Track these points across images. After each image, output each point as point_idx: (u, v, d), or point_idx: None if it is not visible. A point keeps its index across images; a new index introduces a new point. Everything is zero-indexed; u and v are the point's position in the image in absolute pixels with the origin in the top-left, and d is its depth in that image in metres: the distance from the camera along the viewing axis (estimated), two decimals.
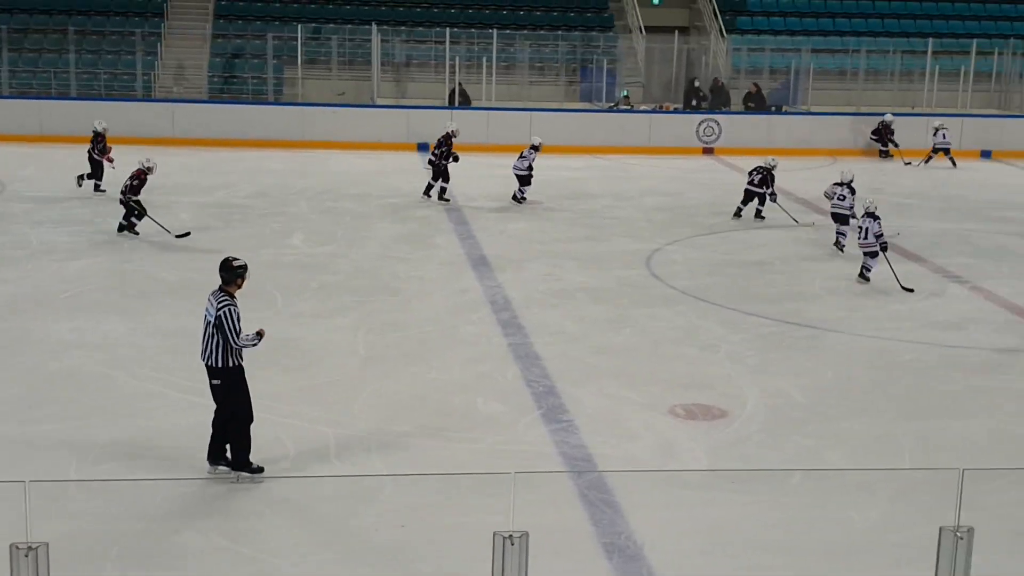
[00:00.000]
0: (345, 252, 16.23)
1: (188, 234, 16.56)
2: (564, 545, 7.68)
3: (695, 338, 12.66)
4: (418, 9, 31.06)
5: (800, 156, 25.91)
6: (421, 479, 8.76)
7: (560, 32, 30.24)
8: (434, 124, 26.22)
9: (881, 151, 26.38)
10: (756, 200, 19.14)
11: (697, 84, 29.06)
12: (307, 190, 20.90)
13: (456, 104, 27.58)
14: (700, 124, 27.01)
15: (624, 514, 8.18)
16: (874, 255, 15.04)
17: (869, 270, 15.15)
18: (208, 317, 8.51)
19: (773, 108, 28.77)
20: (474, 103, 27.93)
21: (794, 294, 14.68)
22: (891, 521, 8.21)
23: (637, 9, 30.73)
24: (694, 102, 28.63)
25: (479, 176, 21.26)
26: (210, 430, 8.71)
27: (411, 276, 14.97)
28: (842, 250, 16.94)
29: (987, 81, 29.71)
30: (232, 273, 8.69)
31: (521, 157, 20.07)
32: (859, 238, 15.20)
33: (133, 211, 16.72)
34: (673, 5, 32.40)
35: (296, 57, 28.50)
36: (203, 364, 8.60)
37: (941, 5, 32.11)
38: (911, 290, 14.69)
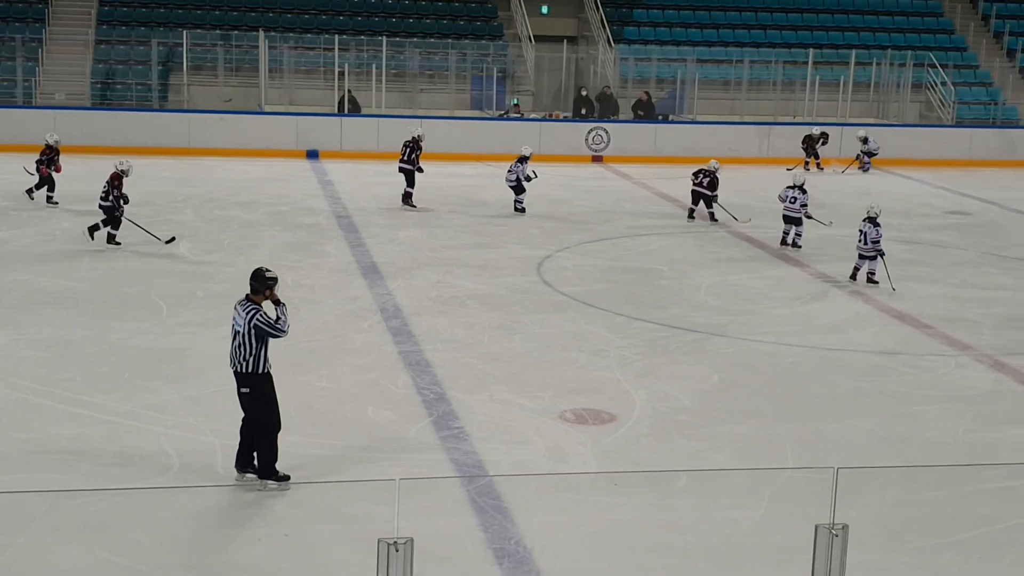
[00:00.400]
0: (232, 260, 16.02)
1: (173, 239, 16.50)
2: (454, 551, 7.71)
3: (584, 343, 12.78)
4: (306, 16, 30.83)
5: (687, 164, 26.30)
6: (309, 487, 8.70)
7: (450, 40, 30.28)
8: (322, 131, 26.14)
9: (816, 163, 26.72)
10: (703, 202, 19.92)
11: (585, 93, 29.35)
12: (193, 198, 20.59)
13: (346, 111, 27.43)
14: (589, 132, 27.29)
15: (514, 519, 8.24)
16: (872, 258, 15.68)
17: (859, 269, 15.91)
18: (236, 327, 8.61)
19: (660, 117, 29.18)
20: (364, 110, 27.81)
21: (680, 299, 14.91)
22: (773, 521, 8.40)
23: (526, 18, 30.94)
24: (583, 111, 28.91)
25: (370, 183, 21.21)
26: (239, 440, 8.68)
27: (300, 284, 14.85)
28: (796, 247, 17.86)
29: (865, 91, 30.55)
30: (263, 283, 8.74)
31: (509, 170, 20.38)
32: (859, 242, 15.78)
33: (116, 220, 16.32)
34: (561, 15, 32.69)
35: (182, 63, 28.06)
36: (234, 371, 8.68)
37: (821, 17, 32.94)
38: (894, 290, 15.44)
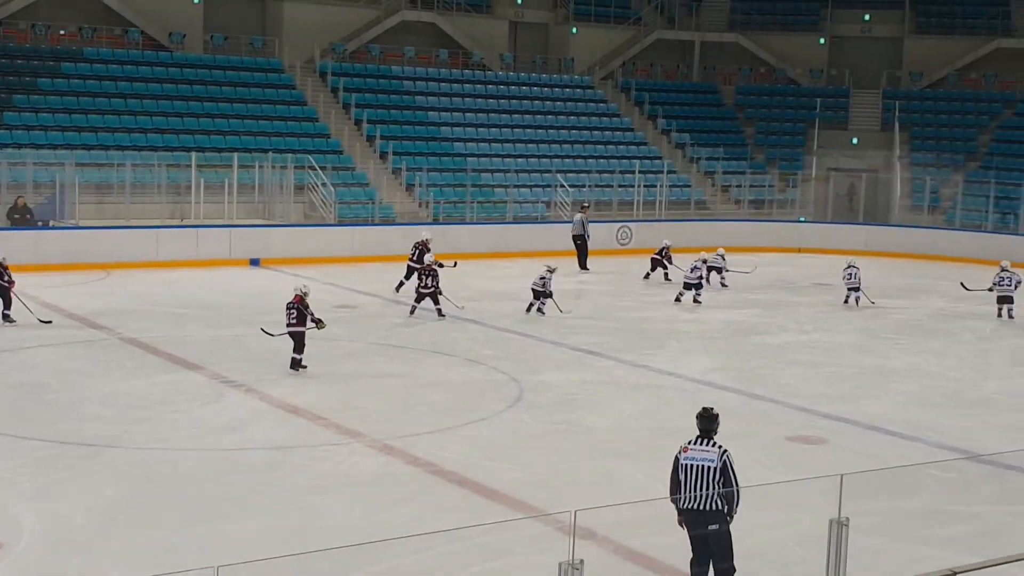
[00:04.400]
0: None
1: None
2: None
3: None
4: None
5: (72, 271, 25.38)
6: None
7: None
8: None
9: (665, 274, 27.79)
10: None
11: None
12: None
13: None
14: None
15: None
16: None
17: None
18: (709, 464, 8.93)
19: (40, 223, 27.83)
20: None
21: (71, 413, 14.21)
22: None
23: None
24: None
25: None
26: None
27: None
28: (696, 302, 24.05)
29: (251, 192, 31.26)
30: (717, 421, 9.20)
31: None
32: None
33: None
34: None
35: None
36: (695, 509, 8.88)
37: (202, 121, 33.36)
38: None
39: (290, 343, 16.81)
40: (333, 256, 29.48)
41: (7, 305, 19.55)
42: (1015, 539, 9.56)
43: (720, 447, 9.08)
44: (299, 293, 16.95)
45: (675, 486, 9.04)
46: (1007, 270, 23.95)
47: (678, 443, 13.86)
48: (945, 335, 21.92)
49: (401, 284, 24.18)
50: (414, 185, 34.14)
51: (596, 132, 40.00)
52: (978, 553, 8.39)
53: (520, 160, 37.19)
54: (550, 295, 22.33)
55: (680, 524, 9.01)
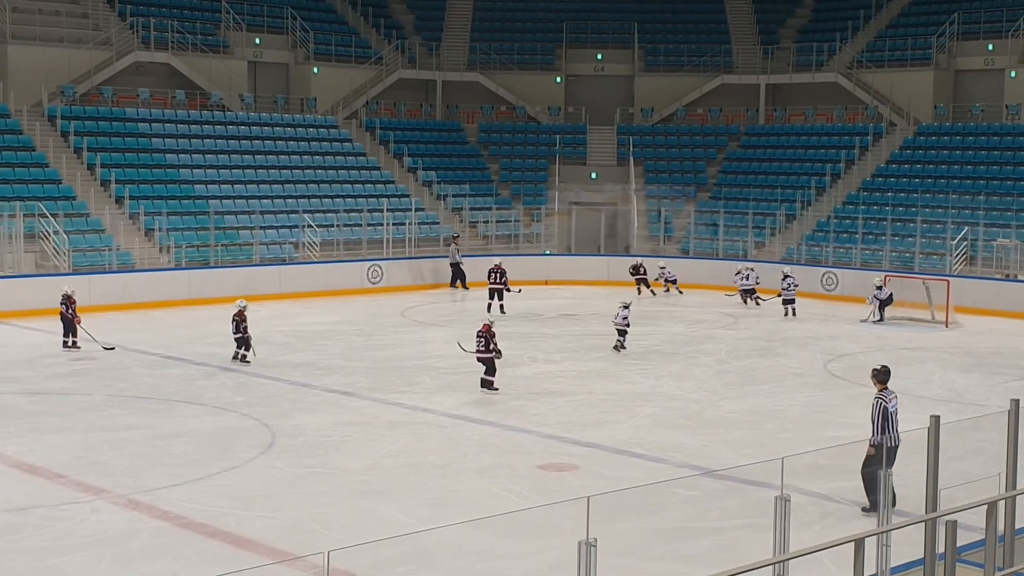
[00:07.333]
0: None
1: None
2: None
3: None
4: None
5: None
6: None
7: None
8: None
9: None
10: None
11: None
12: None
13: None
14: None
15: None
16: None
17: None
18: (897, 406, 12.56)
19: None
20: None
21: None
22: None
23: None
24: None
25: None
26: None
27: None
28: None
29: None
30: (890, 375, 12.78)
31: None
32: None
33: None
34: None
35: None
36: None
37: None
38: None
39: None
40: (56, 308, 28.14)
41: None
42: (751, 550, 10.05)
43: (895, 393, 12.72)
44: (487, 323, 19.54)
45: (884, 424, 12.35)
46: (789, 276, 29.06)
47: (435, 479, 14.00)
48: (684, 359, 22.91)
49: (490, 305, 28.32)
50: (153, 230, 33.08)
51: (342, 171, 39.85)
52: (718, 566, 8.79)
53: (265, 201, 36.64)
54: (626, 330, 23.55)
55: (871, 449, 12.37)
